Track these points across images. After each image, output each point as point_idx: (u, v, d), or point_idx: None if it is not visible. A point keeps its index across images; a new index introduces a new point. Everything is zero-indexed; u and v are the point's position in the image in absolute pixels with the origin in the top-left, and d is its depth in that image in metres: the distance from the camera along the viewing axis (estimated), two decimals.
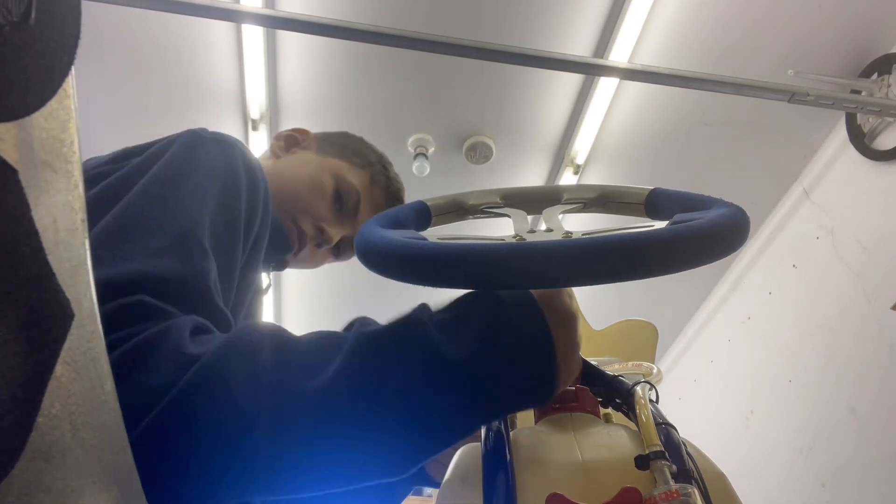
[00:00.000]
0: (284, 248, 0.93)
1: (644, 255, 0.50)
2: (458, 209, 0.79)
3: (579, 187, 0.81)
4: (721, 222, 0.54)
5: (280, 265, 0.97)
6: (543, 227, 0.69)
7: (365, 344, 0.50)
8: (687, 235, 0.52)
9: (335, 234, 0.96)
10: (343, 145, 1.03)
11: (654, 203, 0.73)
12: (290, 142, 1.03)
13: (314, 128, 1.08)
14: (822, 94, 1.96)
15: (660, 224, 0.62)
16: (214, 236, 0.64)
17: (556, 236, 0.62)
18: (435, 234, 0.63)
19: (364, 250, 0.58)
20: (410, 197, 0.79)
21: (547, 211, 0.76)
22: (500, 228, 0.68)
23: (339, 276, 2.75)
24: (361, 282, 2.64)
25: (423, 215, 0.75)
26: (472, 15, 2.01)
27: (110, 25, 1.95)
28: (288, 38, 2.06)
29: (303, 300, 3.02)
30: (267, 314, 2.92)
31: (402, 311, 0.54)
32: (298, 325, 3.12)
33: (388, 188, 1.04)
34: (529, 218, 0.74)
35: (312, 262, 1.01)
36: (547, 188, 0.85)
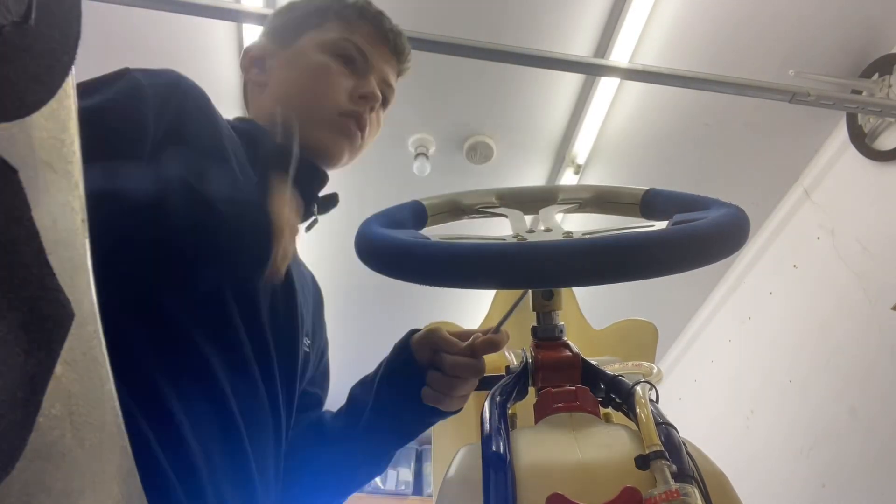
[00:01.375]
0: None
1: (650, 255, 0.50)
2: (455, 209, 0.79)
3: (574, 187, 0.81)
4: (724, 221, 0.54)
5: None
6: (542, 226, 0.69)
7: None
8: (693, 235, 0.52)
9: (372, 86, 0.93)
10: (289, 24, 0.97)
11: (650, 203, 0.73)
12: (258, 65, 0.98)
13: None
14: (822, 95, 1.96)
15: (658, 224, 0.62)
16: None
17: (555, 236, 0.62)
18: (434, 233, 0.63)
19: (369, 250, 0.58)
20: (411, 197, 0.79)
21: (543, 211, 0.76)
22: (497, 228, 0.68)
23: (342, 277, 2.75)
24: (367, 281, 2.63)
25: (420, 215, 0.75)
26: (472, 15, 2.01)
27: (111, 25, 1.95)
28: None
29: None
30: None
31: None
32: None
33: (362, 13, 0.97)
34: (527, 218, 0.74)
35: (375, 130, 0.98)
36: (542, 188, 0.86)
